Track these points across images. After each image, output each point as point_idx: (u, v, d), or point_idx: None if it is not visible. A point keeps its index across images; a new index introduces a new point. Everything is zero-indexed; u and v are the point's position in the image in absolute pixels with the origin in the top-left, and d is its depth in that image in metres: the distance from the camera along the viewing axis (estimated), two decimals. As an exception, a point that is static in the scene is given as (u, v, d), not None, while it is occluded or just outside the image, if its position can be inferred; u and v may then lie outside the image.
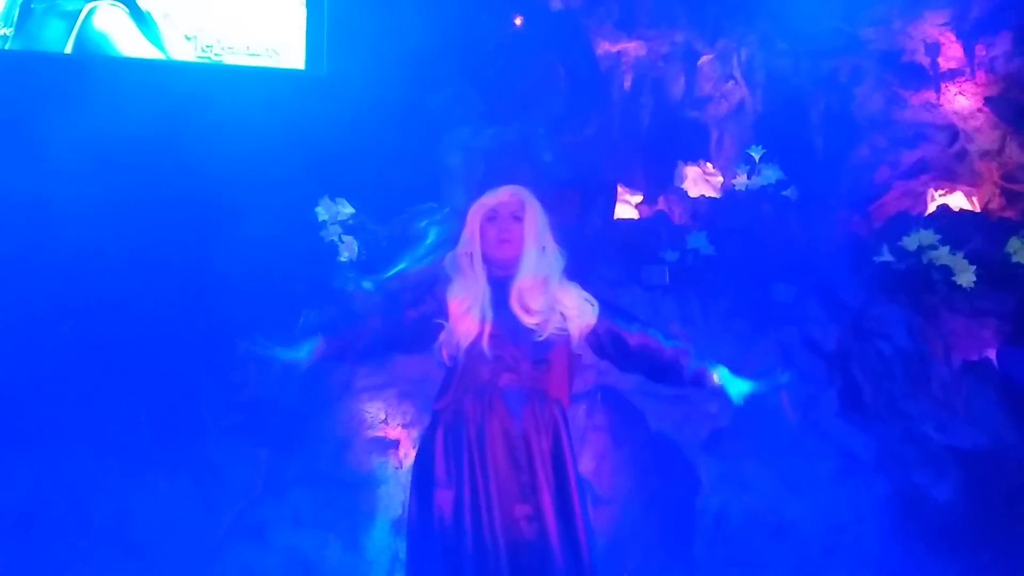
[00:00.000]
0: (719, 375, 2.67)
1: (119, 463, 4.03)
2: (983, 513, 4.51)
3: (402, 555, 4.42)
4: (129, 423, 4.10)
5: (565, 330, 2.53)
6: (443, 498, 2.48)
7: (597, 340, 2.62)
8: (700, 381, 2.67)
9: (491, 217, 2.59)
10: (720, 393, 2.69)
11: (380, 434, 4.50)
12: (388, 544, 4.38)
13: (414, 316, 2.61)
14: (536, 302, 2.51)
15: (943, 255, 5.02)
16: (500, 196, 2.61)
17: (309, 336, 2.68)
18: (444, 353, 2.58)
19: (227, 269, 4.37)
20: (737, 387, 2.67)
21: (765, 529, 4.76)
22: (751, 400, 4.99)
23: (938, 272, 5.01)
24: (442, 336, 2.57)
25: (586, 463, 4.31)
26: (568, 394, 2.61)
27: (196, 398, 4.22)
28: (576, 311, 2.55)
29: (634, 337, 2.60)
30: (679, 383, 2.69)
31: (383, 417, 4.54)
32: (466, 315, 2.51)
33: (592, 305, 2.59)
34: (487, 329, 2.49)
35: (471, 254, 2.57)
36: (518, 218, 2.57)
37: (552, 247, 2.60)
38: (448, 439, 2.52)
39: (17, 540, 3.87)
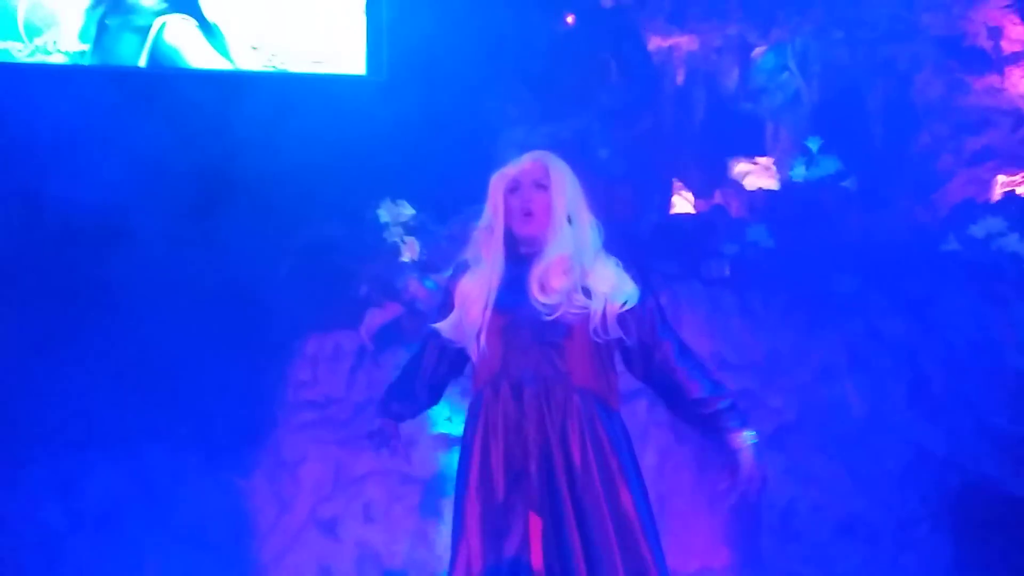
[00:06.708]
0: (745, 438, 2.22)
1: (196, 462, 4.17)
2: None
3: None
4: (205, 423, 4.23)
5: (586, 309, 2.13)
6: (471, 499, 2.27)
7: (634, 325, 2.17)
8: (717, 427, 2.23)
9: (513, 188, 2.21)
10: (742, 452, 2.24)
11: (445, 432, 4.57)
12: (456, 540, 4.44)
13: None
14: (558, 280, 2.13)
15: (1012, 242, 4.94)
16: (522, 164, 2.24)
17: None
18: (455, 342, 2.26)
19: (296, 270, 4.48)
20: (750, 463, 2.22)
21: (833, 525, 4.71)
22: (817, 395, 4.94)
23: (1007, 259, 4.92)
24: (448, 325, 2.25)
25: (649, 458, 4.32)
26: (600, 382, 2.20)
27: (268, 397, 4.33)
28: (609, 286, 2.14)
29: (667, 346, 2.20)
30: (688, 417, 2.28)
31: (447, 415, 4.59)
32: (477, 301, 2.19)
33: (634, 285, 2.17)
34: (489, 316, 2.16)
35: (491, 228, 2.22)
36: (542, 186, 2.19)
37: (585, 217, 2.21)
38: (472, 434, 2.26)
39: (99, 539, 4.02)
